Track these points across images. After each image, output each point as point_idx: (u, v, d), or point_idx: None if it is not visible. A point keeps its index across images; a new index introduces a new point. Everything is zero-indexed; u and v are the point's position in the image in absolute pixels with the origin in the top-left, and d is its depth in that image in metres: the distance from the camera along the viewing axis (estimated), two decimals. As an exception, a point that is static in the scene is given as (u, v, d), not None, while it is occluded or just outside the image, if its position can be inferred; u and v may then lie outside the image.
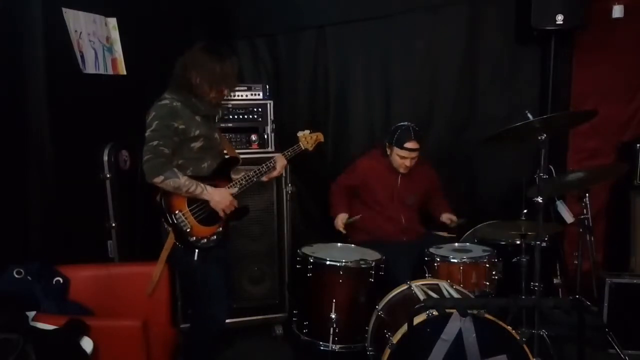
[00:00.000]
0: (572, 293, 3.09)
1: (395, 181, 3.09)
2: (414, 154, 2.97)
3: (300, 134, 2.71)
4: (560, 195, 3.36)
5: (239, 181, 2.40)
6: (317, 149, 2.75)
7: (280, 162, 2.57)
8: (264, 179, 2.55)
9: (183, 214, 2.23)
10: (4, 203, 2.15)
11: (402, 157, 2.98)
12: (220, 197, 2.28)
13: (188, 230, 2.23)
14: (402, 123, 3.04)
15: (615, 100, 3.45)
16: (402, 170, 3.04)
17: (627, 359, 2.67)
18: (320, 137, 2.75)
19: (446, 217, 3.17)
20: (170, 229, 2.24)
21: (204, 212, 2.28)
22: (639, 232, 3.27)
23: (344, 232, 3.06)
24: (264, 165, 2.51)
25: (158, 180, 2.14)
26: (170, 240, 2.26)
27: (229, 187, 2.36)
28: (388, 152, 3.06)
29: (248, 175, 2.43)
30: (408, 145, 2.94)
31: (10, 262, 2.10)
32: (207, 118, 2.33)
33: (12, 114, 2.20)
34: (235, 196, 2.36)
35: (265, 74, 3.64)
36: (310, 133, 2.72)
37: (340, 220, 3.06)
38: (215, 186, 2.31)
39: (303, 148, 2.68)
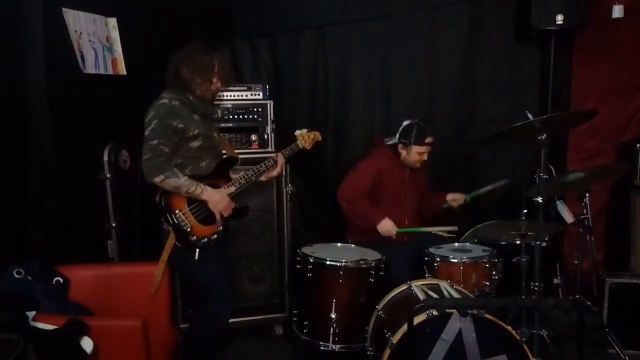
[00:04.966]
0: (572, 293, 3.10)
1: (404, 178, 3.12)
2: (430, 148, 3.06)
3: (297, 132, 2.70)
4: (560, 195, 3.36)
5: (237, 180, 2.39)
6: (314, 148, 2.74)
7: (280, 160, 2.54)
8: (263, 178, 2.52)
9: (183, 214, 2.23)
10: (4, 203, 2.15)
11: (422, 152, 3.03)
12: (219, 198, 2.28)
13: (188, 229, 2.23)
14: (407, 122, 3.03)
15: (615, 100, 3.45)
16: (417, 166, 3.09)
17: (627, 359, 2.67)
18: (317, 136, 2.74)
19: (451, 197, 3.20)
20: (170, 228, 2.25)
21: (204, 211, 2.27)
22: (639, 232, 3.27)
23: (395, 237, 2.92)
24: (262, 164, 2.49)
25: (158, 179, 2.14)
26: (171, 240, 2.26)
27: (226, 187, 2.35)
28: (404, 154, 3.06)
29: (247, 175, 2.42)
30: (428, 140, 3.01)
31: (10, 262, 2.09)
32: (205, 117, 2.33)
33: (13, 114, 2.19)
34: (233, 195, 2.36)
35: (265, 74, 3.64)
36: (308, 132, 2.71)
37: (392, 225, 2.93)
38: (214, 185, 2.31)
39: (301, 147, 2.67)
